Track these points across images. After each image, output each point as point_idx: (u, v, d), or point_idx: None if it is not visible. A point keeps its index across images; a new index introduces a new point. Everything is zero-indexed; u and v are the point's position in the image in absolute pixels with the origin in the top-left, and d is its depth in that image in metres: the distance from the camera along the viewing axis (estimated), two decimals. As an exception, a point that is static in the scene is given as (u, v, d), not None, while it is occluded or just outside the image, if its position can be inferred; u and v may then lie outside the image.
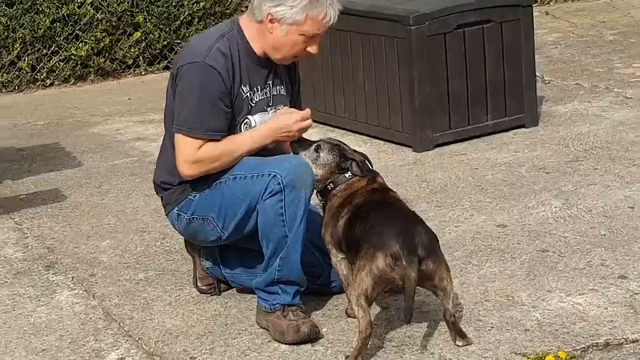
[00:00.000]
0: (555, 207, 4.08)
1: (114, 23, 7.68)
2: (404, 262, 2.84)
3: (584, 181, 4.36)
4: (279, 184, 3.07)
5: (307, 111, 3.22)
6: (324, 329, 3.20)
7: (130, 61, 7.82)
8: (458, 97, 5.10)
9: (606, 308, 3.14)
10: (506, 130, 5.22)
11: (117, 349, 3.20)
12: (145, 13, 7.74)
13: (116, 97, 7.12)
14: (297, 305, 3.16)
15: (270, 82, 3.29)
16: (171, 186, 3.33)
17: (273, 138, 3.21)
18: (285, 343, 3.10)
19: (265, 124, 3.22)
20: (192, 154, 3.16)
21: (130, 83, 7.61)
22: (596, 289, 3.29)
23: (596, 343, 2.93)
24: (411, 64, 4.99)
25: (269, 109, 3.28)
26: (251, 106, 3.24)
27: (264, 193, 3.09)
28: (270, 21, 3.15)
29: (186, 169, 3.19)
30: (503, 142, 5.08)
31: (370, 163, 3.28)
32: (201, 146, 3.16)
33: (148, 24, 7.74)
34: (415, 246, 2.86)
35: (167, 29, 7.85)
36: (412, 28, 4.93)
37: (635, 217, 3.89)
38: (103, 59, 7.70)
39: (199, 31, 7.94)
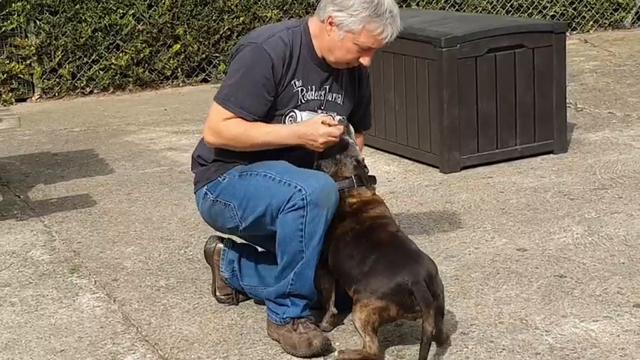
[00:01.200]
0: (577, 233, 4.09)
1: (154, 35, 7.83)
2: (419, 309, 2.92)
3: (607, 209, 4.36)
4: (302, 199, 3.09)
5: (339, 128, 3.20)
6: (337, 343, 3.24)
7: (169, 73, 7.95)
8: (487, 121, 5.13)
9: (619, 336, 3.14)
10: (535, 156, 5.23)
11: (133, 352, 3.26)
12: (186, 26, 7.87)
13: (153, 107, 7.24)
14: (306, 317, 3.20)
15: (327, 87, 3.31)
16: (206, 163, 3.37)
17: (296, 141, 3.21)
18: (298, 357, 3.14)
19: (293, 126, 3.24)
20: (217, 123, 3.22)
21: (168, 94, 7.73)
22: (610, 316, 3.29)
23: (606, 370, 2.94)
24: (440, 85, 5.03)
25: (320, 111, 3.30)
26: (302, 101, 3.27)
27: (287, 204, 3.11)
28: (330, 23, 3.21)
29: (207, 134, 3.28)
30: (530, 167, 5.09)
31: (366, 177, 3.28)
32: (228, 118, 3.20)
33: (187, 36, 7.87)
34: (427, 294, 2.92)
35: (206, 42, 7.97)
36: (443, 50, 4.97)
37: (656, 246, 3.88)
38: (142, 70, 7.84)
39: (238, 45, 8.07)
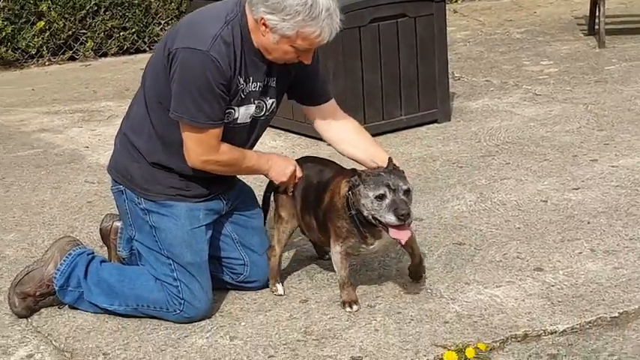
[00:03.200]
0: (470, 201, 4.11)
1: (16, 11, 7.44)
2: None
3: (497, 175, 4.40)
4: (177, 313, 3.14)
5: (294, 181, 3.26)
6: (243, 323, 3.14)
7: (34, 51, 7.59)
8: (372, 91, 5.10)
9: (524, 300, 3.16)
10: (420, 125, 5.24)
11: (25, 345, 3.07)
12: (50, 2, 7.52)
13: (19, 87, 6.89)
14: None
15: (267, 74, 3.13)
16: (140, 158, 3.18)
17: (269, 169, 3.23)
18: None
19: (268, 157, 3.24)
20: (199, 146, 3.06)
21: (34, 73, 7.38)
22: (513, 281, 3.31)
23: (515, 334, 2.94)
24: (326, 56, 4.95)
25: (255, 100, 3.15)
26: (241, 97, 3.11)
27: (167, 303, 3.14)
28: (264, 24, 3.00)
29: (194, 158, 3.11)
30: (417, 136, 5.10)
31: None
32: (205, 133, 3.04)
33: (52, 13, 7.53)
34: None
35: (72, 19, 7.65)
36: (327, 20, 4.89)
37: (549, 210, 3.94)
38: (4, 48, 7.45)
39: (106, 21, 7.76)
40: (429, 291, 3.27)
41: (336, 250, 3.17)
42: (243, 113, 3.14)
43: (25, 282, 3.26)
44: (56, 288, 3.24)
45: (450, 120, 5.33)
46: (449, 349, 2.87)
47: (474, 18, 8.41)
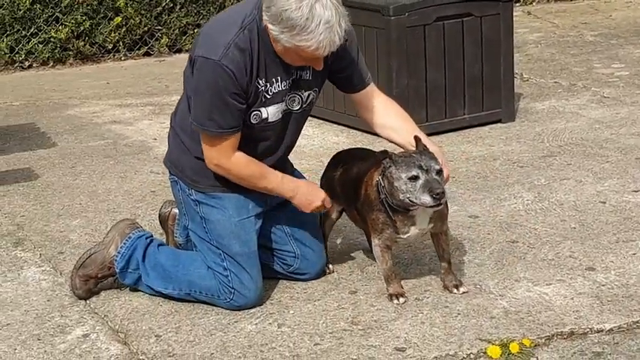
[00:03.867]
0: (527, 200, 4.10)
1: (95, 7, 7.64)
2: None
3: (557, 176, 4.37)
4: (228, 301, 3.20)
5: (325, 207, 3.28)
6: (291, 311, 3.20)
7: (110, 46, 7.78)
8: (435, 90, 5.11)
9: (572, 299, 3.15)
10: (483, 125, 5.23)
11: (82, 325, 3.18)
12: (127, -2, 7.71)
13: (94, 80, 7.08)
14: None
15: (293, 71, 3.13)
16: (186, 150, 3.26)
17: (293, 197, 3.23)
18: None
19: (296, 186, 3.22)
20: (219, 156, 3.13)
21: (109, 68, 7.57)
22: (563, 279, 3.30)
23: (561, 332, 2.94)
24: (389, 54, 5.00)
25: (287, 97, 3.17)
26: (266, 98, 3.12)
27: (219, 291, 3.20)
28: (269, 32, 3.01)
29: (211, 164, 3.18)
30: (479, 136, 5.10)
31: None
32: (222, 145, 3.10)
33: (129, 9, 7.71)
34: None
35: (148, 15, 7.82)
36: (392, 18, 4.93)
37: (606, 211, 3.90)
38: (82, 43, 7.66)
39: (181, 18, 7.92)
40: (478, 286, 3.29)
41: (375, 244, 3.20)
42: (274, 112, 3.15)
43: (87, 265, 3.37)
44: (117, 270, 3.35)
45: (514, 120, 5.30)
46: (493, 344, 2.88)
47: (547, 20, 8.32)
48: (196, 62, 3.08)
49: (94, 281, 3.38)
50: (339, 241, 3.76)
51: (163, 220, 3.59)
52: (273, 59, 3.08)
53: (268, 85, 3.11)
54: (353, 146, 4.96)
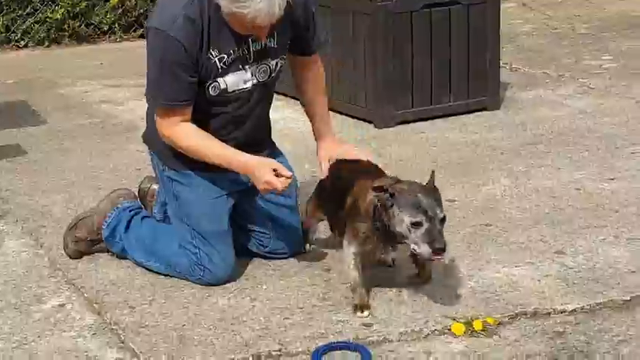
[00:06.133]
0: (504, 185, 4.15)
1: (91, -12, 7.70)
2: None
3: (535, 163, 4.43)
4: (199, 279, 3.25)
5: (283, 183, 3.11)
6: (265, 287, 3.26)
7: (106, 27, 7.84)
8: (422, 77, 5.16)
9: (539, 280, 3.21)
10: (468, 113, 5.28)
11: (58, 295, 3.24)
12: (123, -20, 7.75)
13: (89, 61, 7.14)
14: None
15: (251, 40, 3.15)
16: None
17: (242, 172, 3.20)
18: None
19: (245, 159, 3.14)
20: (167, 126, 3.15)
21: (105, 49, 7.63)
22: (532, 262, 3.36)
23: (525, 311, 3.00)
24: (376, 40, 5.05)
25: (248, 66, 3.18)
26: (222, 68, 3.14)
27: (190, 268, 3.26)
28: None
29: (160, 132, 3.22)
30: (463, 123, 5.15)
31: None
32: (171, 116, 3.12)
33: (124, -9, 7.76)
34: None
35: (144, -3, 7.87)
36: (379, 4, 4.98)
37: (581, 198, 3.96)
38: (78, 23, 7.71)
39: None
40: (448, 268, 3.34)
41: (350, 251, 3.04)
42: (233, 82, 3.17)
43: (78, 227, 3.50)
44: (103, 238, 3.44)
45: (499, 109, 5.35)
46: (458, 321, 2.95)
47: (541, 12, 8.36)
48: (148, 33, 3.12)
49: (84, 244, 3.48)
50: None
51: (142, 196, 3.64)
52: (225, 29, 3.09)
53: (224, 57, 3.13)
54: (352, 135, 5.01)
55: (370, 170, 3.22)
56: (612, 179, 4.16)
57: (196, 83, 3.12)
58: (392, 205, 2.86)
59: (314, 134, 3.48)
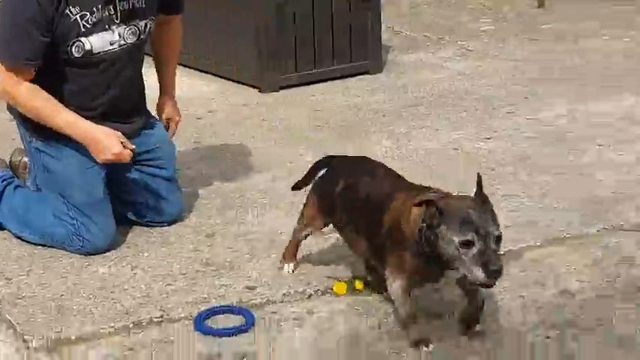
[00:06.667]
0: (385, 147, 4.22)
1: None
2: None
3: (416, 125, 4.51)
4: (78, 249, 3.20)
5: (129, 155, 3.11)
6: (146, 254, 3.23)
7: None
8: (304, 41, 5.17)
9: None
10: (351, 76, 5.32)
11: None
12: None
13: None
14: None
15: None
16: None
17: (87, 144, 3.11)
18: None
19: (92, 128, 3.09)
20: (7, 84, 3.06)
21: None
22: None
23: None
24: (259, 4, 5.02)
25: (115, 27, 3.12)
26: (85, 27, 3.05)
27: (69, 238, 3.19)
28: None
29: (3, 94, 3.12)
30: (346, 86, 5.19)
31: None
32: (15, 74, 3.03)
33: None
34: None
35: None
36: (259, -32, 4.95)
37: (458, 157, 4.06)
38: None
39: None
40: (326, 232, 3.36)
41: (397, 285, 2.59)
42: (99, 42, 3.10)
43: None
44: None
45: (381, 72, 5.41)
46: (339, 281, 2.99)
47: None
48: None
49: None
50: (199, 189, 3.80)
51: (14, 169, 3.53)
52: None
53: (87, 14, 3.05)
54: (237, 100, 4.97)
55: (392, 174, 2.86)
56: (489, 139, 4.27)
57: (46, 44, 3.03)
58: (439, 225, 2.42)
59: (160, 89, 3.54)
